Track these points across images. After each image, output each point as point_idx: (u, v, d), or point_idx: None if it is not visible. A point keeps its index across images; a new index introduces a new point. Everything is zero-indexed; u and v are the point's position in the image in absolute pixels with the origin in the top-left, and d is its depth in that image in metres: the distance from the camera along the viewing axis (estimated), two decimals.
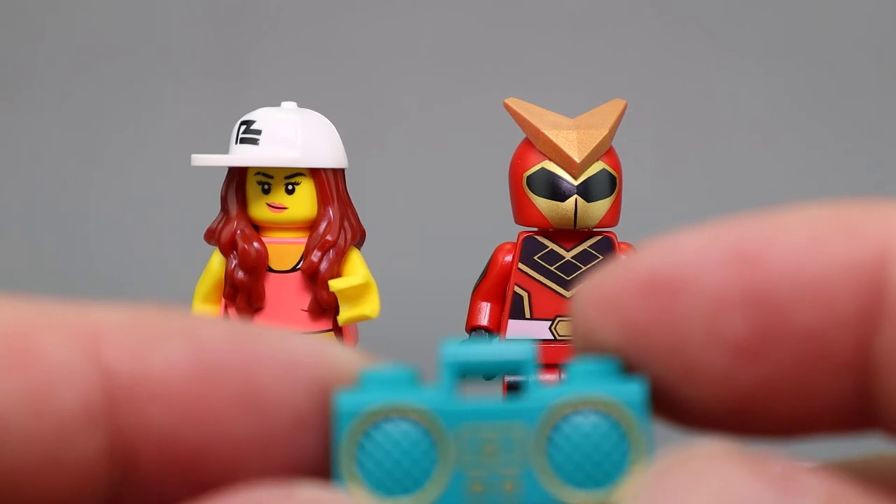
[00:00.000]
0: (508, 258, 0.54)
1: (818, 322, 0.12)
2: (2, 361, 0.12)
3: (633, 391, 0.13)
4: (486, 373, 0.14)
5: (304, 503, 0.12)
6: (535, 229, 0.54)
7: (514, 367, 0.13)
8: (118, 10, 0.92)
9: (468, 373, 0.13)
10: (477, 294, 0.55)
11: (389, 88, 0.90)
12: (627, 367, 0.13)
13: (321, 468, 0.14)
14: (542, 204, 0.53)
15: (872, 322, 0.12)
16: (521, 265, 0.54)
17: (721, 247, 0.13)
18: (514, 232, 0.55)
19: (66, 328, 0.13)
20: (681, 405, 0.13)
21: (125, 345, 0.13)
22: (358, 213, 0.55)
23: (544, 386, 0.13)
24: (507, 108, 0.54)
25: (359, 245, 0.55)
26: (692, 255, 0.13)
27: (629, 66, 0.89)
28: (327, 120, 0.55)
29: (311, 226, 0.54)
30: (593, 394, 0.13)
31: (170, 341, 0.13)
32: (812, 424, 0.13)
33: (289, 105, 0.55)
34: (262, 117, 0.53)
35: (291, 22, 0.92)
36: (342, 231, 0.54)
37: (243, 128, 0.53)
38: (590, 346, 0.13)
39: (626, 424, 0.13)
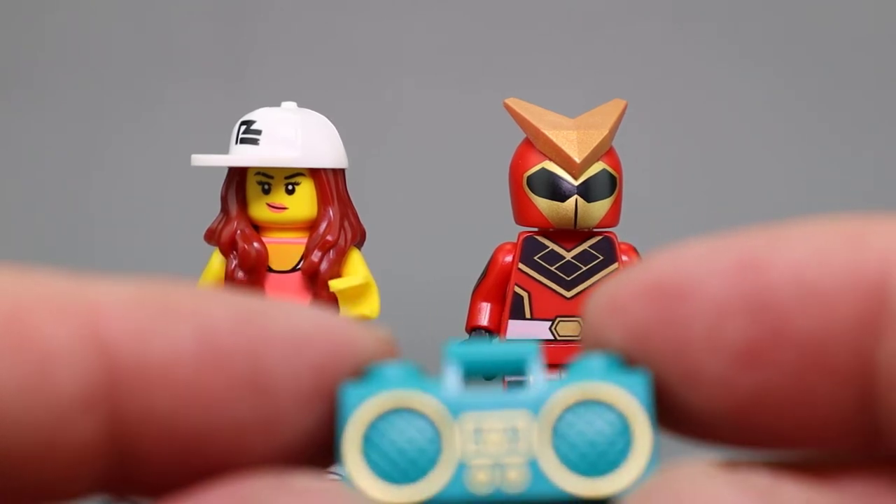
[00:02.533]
0: (508, 258, 0.54)
1: (819, 330, 0.12)
2: None
3: (635, 381, 0.13)
4: (490, 370, 0.14)
5: (298, 493, 0.12)
6: (536, 229, 0.54)
7: (519, 365, 0.14)
8: (118, 10, 0.92)
9: (472, 369, 0.13)
10: (477, 294, 0.55)
11: (389, 88, 0.90)
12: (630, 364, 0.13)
13: (321, 448, 0.13)
14: (543, 204, 0.53)
15: (874, 333, 0.12)
16: (521, 265, 0.54)
17: (725, 255, 0.13)
18: (514, 232, 0.55)
19: (64, 306, 0.12)
20: (682, 412, 0.13)
21: (127, 326, 0.12)
22: (358, 212, 0.55)
23: (549, 378, 0.13)
24: (507, 108, 0.54)
25: (359, 245, 0.55)
26: (696, 262, 0.13)
27: (629, 66, 0.89)
28: (327, 120, 0.55)
29: (311, 226, 0.54)
30: (597, 384, 0.13)
31: (174, 323, 0.13)
32: (813, 437, 0.13)
33: (289, 105, 0.55)
34: (262, 117, 0.53)
35: (291, 22, 0.92)
36: (342, 231, 0.54)
37: (243, 128, 0.53)
38: (597, 347, 0.14)
39: (630, 414, 0.13)
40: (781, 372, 0.13)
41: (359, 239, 0.55)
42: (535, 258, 0.54)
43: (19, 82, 0.92)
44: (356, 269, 0.54)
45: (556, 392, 0.13)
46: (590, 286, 0.53)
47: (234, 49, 0.92)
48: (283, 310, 0.13)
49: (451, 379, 0.13)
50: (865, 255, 0.12)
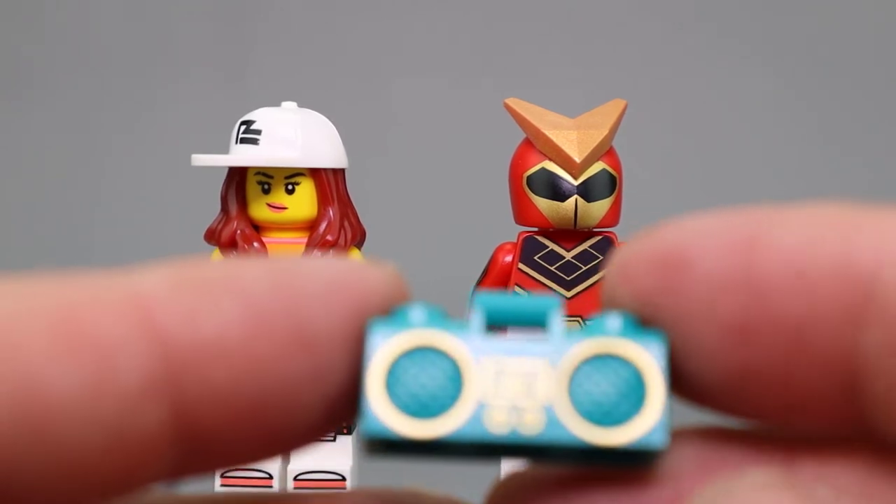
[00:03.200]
0: (508, 258, 0.54)
1: (805, 315, 0.13)
2: (57, 345, 0.12)
3: (652, 340, 0.13)
4: (512, 320, 0.14)
5: None
6: (536, 229, 0.54)
7: (540, 318, 0.14)
8: (118, 10, 0.92)
9: (495, 317, 0.14)
10: None
11: (389, 88, 0.90)
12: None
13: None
14: (543, 204, 0.53)
15: (860, 323, 0.13)
16: (521, 265, 0.54)
17: (725, 231, 0.13)
18: (514, 232, 0.55)
19: (113, 301, 0.13)
20: (681, 376, 0.14)
21: (176, 310, 0.13)
22: (358, 213, 0.55)
23: (570, 330, 0.14)
24: (507, 108, 0.54)
25: (359, 245, 0.55)
26: (697, 235, 0.13)
27: (629, 66, 0.89)
28: (327, 120, 0.55)
29: (311, 226, 0.54)
30: (616, 340, 0.14)
31: (218, 298, 0.13)
32: (799, 415, 0.13)
33: (289, 105, 0.55)
34: (262, 117, 0.53)
35: (291, 22, 0.92)
36: (342, 231, 0.54)
37: (243, 128, 0.53)
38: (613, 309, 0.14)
39: (645, 370, 0.13)
40: (768, 351, 0.13)
41: (359, 239, 0.55)
42: (535, 258, 0.54)
43: (19, 82, 0.92)
44: None
45: (575, 344, 0.14)
46: (590, 286, 0.53)
47: (234, 49, 0.92)
48: (312, 264, 0.14)
49: (476, 324, 0.14)
50: (857, 246, 0.13)
